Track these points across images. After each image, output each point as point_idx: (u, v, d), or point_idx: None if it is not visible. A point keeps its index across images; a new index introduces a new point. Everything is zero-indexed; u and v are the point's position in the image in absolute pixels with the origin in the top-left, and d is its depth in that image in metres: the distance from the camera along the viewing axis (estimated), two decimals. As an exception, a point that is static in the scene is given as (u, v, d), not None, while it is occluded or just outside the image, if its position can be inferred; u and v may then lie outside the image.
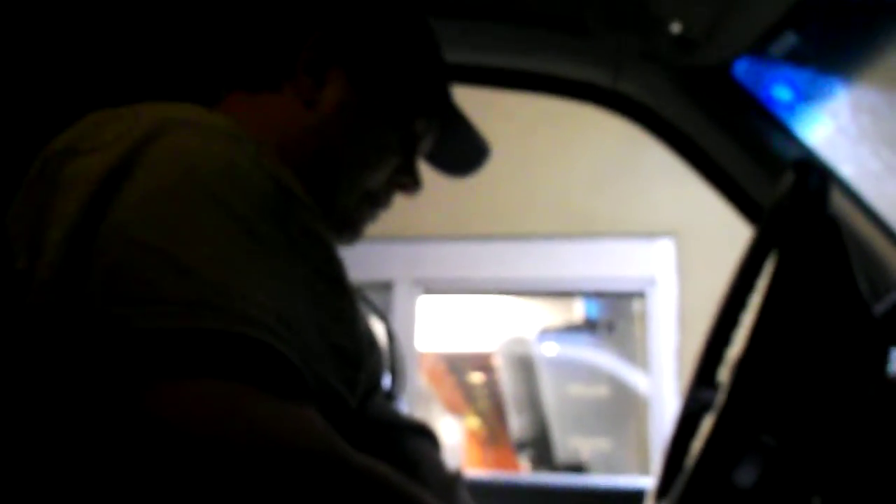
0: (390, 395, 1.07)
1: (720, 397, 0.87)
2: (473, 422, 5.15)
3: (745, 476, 0.99)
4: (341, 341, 0.88)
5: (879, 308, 1.09)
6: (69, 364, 0.77)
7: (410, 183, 1.12)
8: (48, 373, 0.78)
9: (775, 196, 0.90)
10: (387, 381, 1.05)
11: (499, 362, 4.44)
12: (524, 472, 4.26)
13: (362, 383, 0.90)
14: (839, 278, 0.86)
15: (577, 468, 4.18)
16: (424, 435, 1.04)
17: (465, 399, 5.22)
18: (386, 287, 3.95)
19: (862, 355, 0.89)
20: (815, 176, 0.83)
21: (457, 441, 5.17)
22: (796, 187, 0.84)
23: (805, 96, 1.67)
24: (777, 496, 1.10)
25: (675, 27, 1.48)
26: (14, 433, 0.79)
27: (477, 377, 5.04)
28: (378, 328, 1.08)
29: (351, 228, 1.08)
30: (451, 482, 1.03)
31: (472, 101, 1.39)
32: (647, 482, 1.36)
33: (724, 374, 1.18)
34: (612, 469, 4.19)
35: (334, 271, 0.90)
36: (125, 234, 0.78)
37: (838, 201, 1.49)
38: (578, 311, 4.65)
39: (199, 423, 0.70)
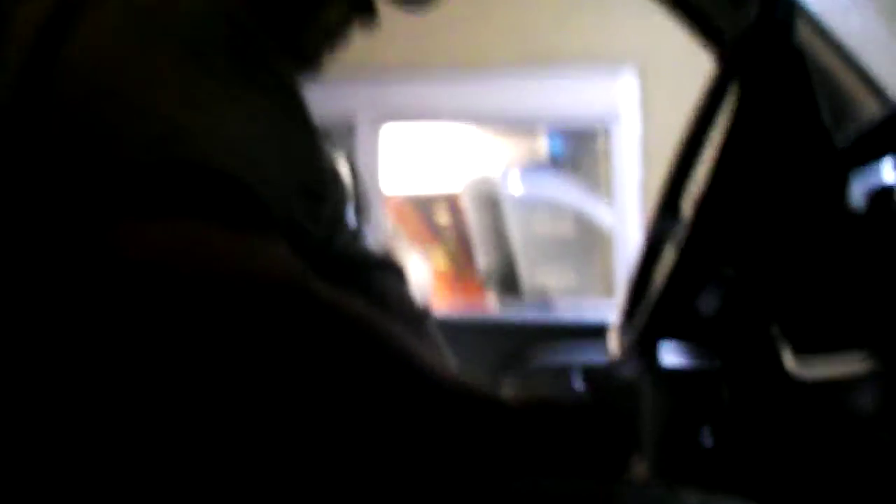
0: (356, 231, 1.06)
1: (683, 229, 0.89)
2: (441, 259, 5.20)
3: (707, 304, 1.02)
4: (303, 175, 0.86)
5: (842, 139, 1.10)
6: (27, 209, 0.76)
7: (368, 15, 1.09)
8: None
9: (739, 26, 0.89)
10: (352, 216, 1.04)
11: (465, 202, 4.45)
12: (491, 307, 4.33)
13: (326, 217, 0.89)
14: (802, 108, 0.86)
15: (545, 302, 4.25)
16: (392, 270, 1.04)
17: (433, 238, 5.25)
18: (349, 126, 3.91)
19: (822, 185, 0.90)
20: (780, 6, 0.82)
21: (425, 278, 5.22)
22: (761, 17, 0.83)
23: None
24: (737, 323, 1.13)
25: None
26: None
27: (444, 216, 5.06)
28: (342, 166, 1.07)
29: (311, 64, 1.06)
30: (419, 317, 1.04)
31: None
32: (611, 315, 1.39)
33: (686, 205, 1.19)
34: (578, 301, 4.26)
35: (296, 106, 0.89)
36: (80, 75, 0.76)
37: (805, 33, 1.47)
38: (543, 147, 4.64)
39: (165, 261, 0.70)
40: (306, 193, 0.86)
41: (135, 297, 0.70)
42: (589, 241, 4.27)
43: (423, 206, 5.23)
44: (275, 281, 0.73)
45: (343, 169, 1.06)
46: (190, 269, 0.70)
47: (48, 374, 0.78)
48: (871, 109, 1.50)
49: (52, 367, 0.78)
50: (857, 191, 0.99)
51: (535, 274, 4.36)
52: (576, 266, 4.36)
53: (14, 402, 0.79)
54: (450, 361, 1.02)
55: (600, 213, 4.19)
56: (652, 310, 0.92)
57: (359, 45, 1.18)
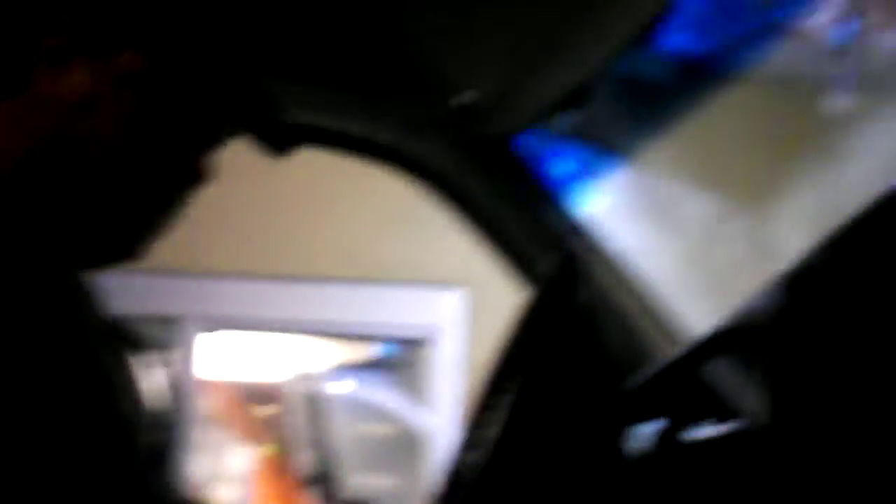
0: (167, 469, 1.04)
1: (472, 472, 0.92)
2: (270, 451, 5.10)
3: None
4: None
5: (629, 385, 1.16)
6: None
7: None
8: None
9: (536, 291, 0.96)
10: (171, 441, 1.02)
11: (288, 398, 4.42)
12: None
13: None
14: (586, 371, 0.92)
15: (361, 506, 4.19)
16: None
17: (262, 429, 5.17)
18: (171, 322, 3.87)
19: (600, 436, 0.95)
20: (566, 270, 0.89)
21: (248, 470, 5.10)
22: (550, 286, 0.90)
23: (586, 171, 1.76)
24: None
25: (466, 96, 1.54)
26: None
27: (273, 408, 4.99)
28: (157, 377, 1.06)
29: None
30: None
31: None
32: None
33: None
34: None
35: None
36: None
37: (605, 275, 1.58)
38: (374, 350, 4.68)
39: None
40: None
41: None
42: (410, 446, 4.27)
43: (253, 396, 5.16)
44: None
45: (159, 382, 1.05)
46: None
47: None
48: (666, 349, 1.60)
49: None
50: (639, 439, 1.05)
51: (355, 475, 4.32)
52: (397, 470, 4.34)
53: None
54: None
55: (421, 419, 4.21)
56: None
57: (187, 245, 1.19)
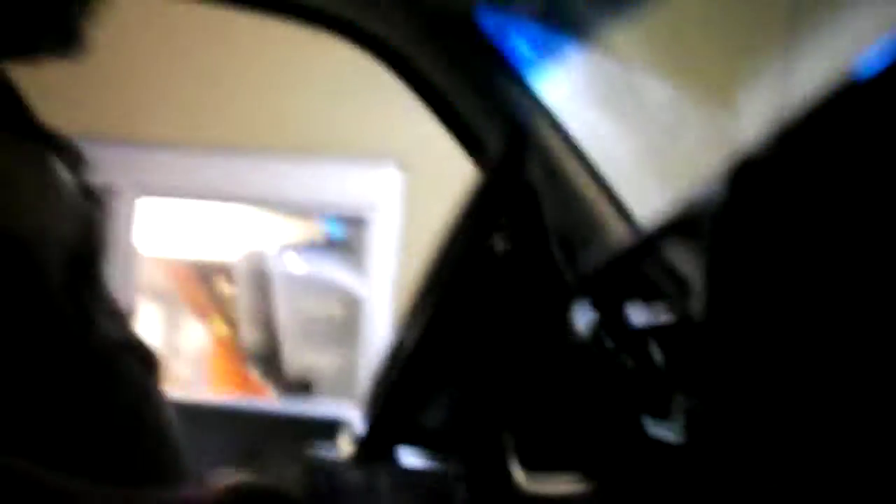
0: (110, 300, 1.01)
1: (406, 348, 0.91)
2: (222, 328, 5.11)
3: (434, 418, 1.04)
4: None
5: (581, 266, 1.16)
6: None
7: None
8: None
9: (486, 168, 0.94)
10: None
11: (235, 275, 4.41)
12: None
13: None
14: (533, 243, 0.91)
15: (305, 385, 4.23)
16: (139, 356, 1.00)
17: (214, 306, 5.17)
18: (110, 192, 3.80)
19: (547, 314, 0.95)
20: (514, 141, 0.87)
21: (202, 346, 5.12)
22: (501, 161, 0.88)
23: (547, 53, 1.73)
24: (469, 436, 1.16)
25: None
26: None
27: (226, 286, 4.98)
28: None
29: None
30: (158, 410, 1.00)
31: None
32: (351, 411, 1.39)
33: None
34: (340, 385, 4.26)
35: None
36: None
37: (560, 155, 1.56)
38: (321, 228, 4.66)
39: None
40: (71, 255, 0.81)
41: None
42: (353, 325, 4.29)
43: (205, 274, 5.14)
44: None
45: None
46: None
47: None
48: (620, 233, 1.60)
49: None
50: (582, 321, 1.05)
51: (299, 354, 4.34)
52: (340, 349, 4.37)
53: None
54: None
55: (365, 297, 4.23)
56: (377, 419, 0.94)
57: (128, 114, 1.16)
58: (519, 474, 1.13)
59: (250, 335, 4.35)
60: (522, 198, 0.88)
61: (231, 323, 4.88)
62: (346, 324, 4.35)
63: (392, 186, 3.91)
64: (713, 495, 0.75)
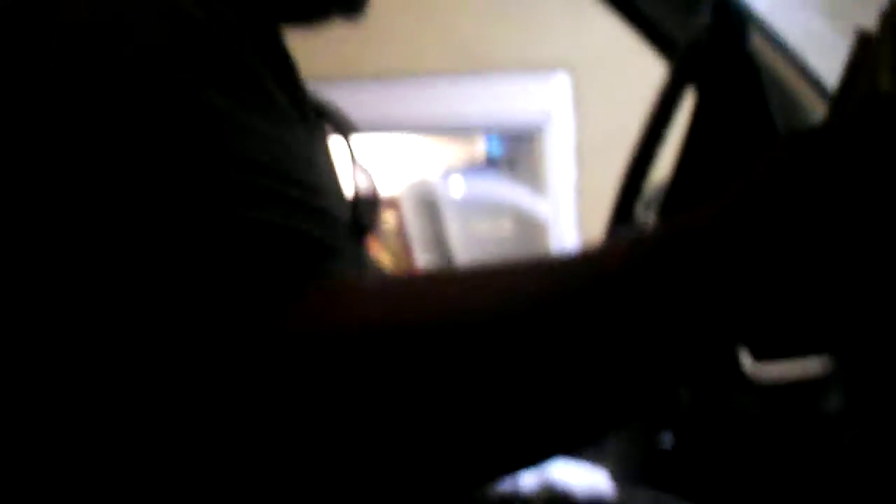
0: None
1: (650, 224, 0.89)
2: (385, 258, 5.20)
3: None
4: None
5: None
6: None
7: None
8: None
9: (691, 33, 0.89)
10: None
11: (404, 205, 4.44)
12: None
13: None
14: (755, 113, 0.86)
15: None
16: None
17: (376, 239, 5.25)
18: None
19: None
20: (733, 15, 0.82)
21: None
22: (715, 25, 0.83)
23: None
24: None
25: None
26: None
27: (387, 218, 5.05)
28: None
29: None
30: None
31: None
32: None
33: (640, 210, 1.19)
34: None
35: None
36: None
37: (755, 39, 1.48)
38: (481, 149, 4.64)
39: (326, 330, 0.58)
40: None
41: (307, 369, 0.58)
42: (529, 239, 4.29)
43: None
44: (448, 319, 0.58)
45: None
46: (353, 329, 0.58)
47: None
48: (819, 113, 1.52)
49: None
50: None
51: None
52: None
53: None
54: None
55: (539, 209, 4.21)
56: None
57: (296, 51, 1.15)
58: (748, 363, 1.09)
59: (425, 260, 4.39)
60: (743, 67, 0.84)
61: (393, 256, 4.94)
62: (518, 241, 4.35)
63: (564, 95, 3.85)
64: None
